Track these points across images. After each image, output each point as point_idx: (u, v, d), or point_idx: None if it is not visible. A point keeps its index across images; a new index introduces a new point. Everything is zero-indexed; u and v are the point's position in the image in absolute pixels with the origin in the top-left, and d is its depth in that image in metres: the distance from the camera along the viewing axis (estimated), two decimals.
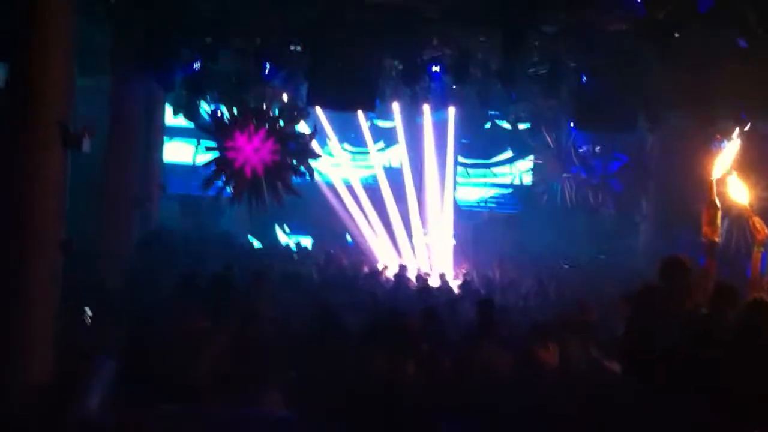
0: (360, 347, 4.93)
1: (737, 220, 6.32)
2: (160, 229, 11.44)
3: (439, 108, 15.00)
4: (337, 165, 16.26)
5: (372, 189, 16.06)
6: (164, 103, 12.61)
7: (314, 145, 11.52)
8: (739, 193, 6.41)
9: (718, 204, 5.93)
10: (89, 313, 6.26)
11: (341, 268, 12.49)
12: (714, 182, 5.99)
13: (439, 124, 15.64)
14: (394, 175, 16.30)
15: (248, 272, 8.14)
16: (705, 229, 5.80)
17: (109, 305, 6.83)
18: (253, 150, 10.01)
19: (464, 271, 13.26)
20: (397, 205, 15.71)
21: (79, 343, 5.68)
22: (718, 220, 5.83)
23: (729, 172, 6.26)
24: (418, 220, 15.57)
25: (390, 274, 12.50)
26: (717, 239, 5.81)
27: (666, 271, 5.86)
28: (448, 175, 15.92)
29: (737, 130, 6.47)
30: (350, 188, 15.95)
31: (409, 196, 15.73)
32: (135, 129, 9.92)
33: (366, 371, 4.63)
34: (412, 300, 9.28)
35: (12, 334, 5.42)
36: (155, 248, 9.78)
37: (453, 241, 15.39)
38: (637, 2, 9.40)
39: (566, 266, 13.39)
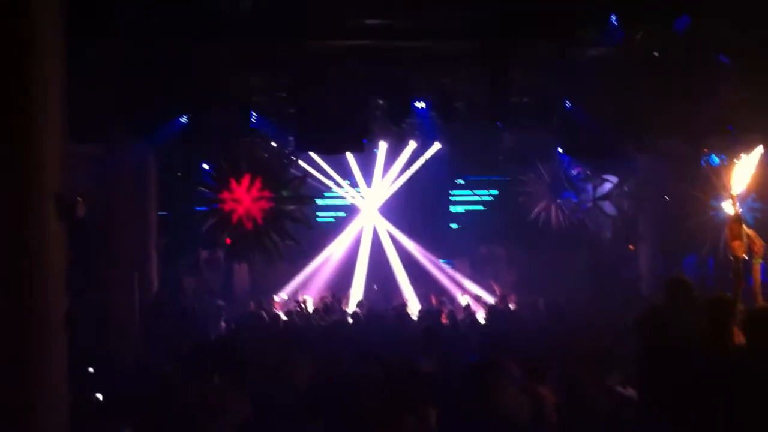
0: (378, 404, 4.90)
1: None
2: (164, 290, 11.25)
3: (426, 144, 15.09)
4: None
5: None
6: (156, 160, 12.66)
7: (306, 189, 11.55)
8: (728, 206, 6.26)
9: (742, 218, 5.74)
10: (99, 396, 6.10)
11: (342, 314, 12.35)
12: (735, 197, 5.74)
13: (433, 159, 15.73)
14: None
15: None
16: (733, 244, 5.49)
17: (120, 374, 6.71)
18: (252, 200, 9.98)
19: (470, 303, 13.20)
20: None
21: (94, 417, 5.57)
22: (744, 235, 5.61)
23: (749, 187, 6.11)
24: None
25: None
26: (745, 256, 5.56)
27: (671, 291, 5.81)
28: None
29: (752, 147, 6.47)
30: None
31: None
32: (129, 191, 9.84)
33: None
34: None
35: (23, 419, 5.17)
36: (165, 312, 9.63)
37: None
38: (614, 25, 9.49)
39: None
